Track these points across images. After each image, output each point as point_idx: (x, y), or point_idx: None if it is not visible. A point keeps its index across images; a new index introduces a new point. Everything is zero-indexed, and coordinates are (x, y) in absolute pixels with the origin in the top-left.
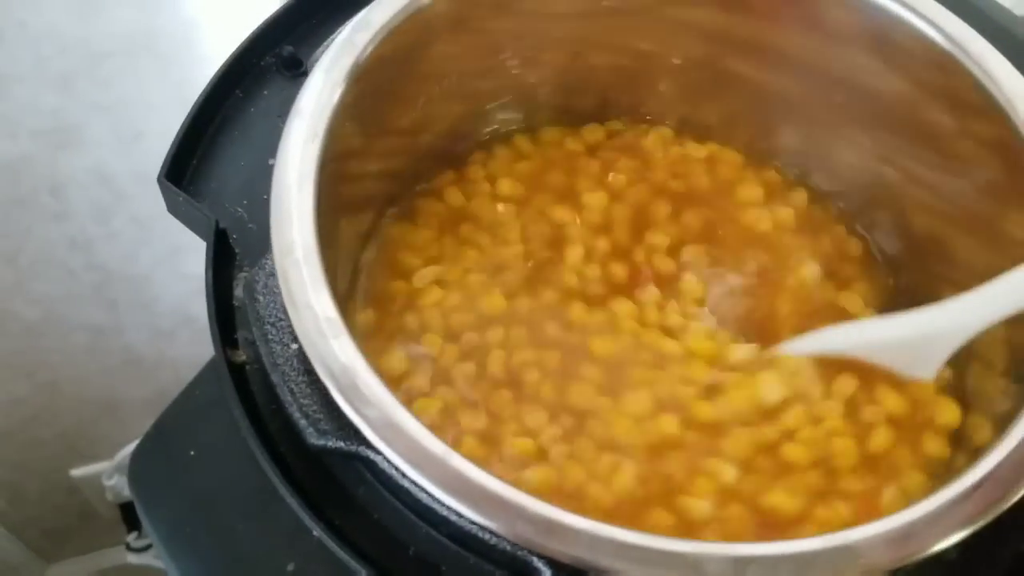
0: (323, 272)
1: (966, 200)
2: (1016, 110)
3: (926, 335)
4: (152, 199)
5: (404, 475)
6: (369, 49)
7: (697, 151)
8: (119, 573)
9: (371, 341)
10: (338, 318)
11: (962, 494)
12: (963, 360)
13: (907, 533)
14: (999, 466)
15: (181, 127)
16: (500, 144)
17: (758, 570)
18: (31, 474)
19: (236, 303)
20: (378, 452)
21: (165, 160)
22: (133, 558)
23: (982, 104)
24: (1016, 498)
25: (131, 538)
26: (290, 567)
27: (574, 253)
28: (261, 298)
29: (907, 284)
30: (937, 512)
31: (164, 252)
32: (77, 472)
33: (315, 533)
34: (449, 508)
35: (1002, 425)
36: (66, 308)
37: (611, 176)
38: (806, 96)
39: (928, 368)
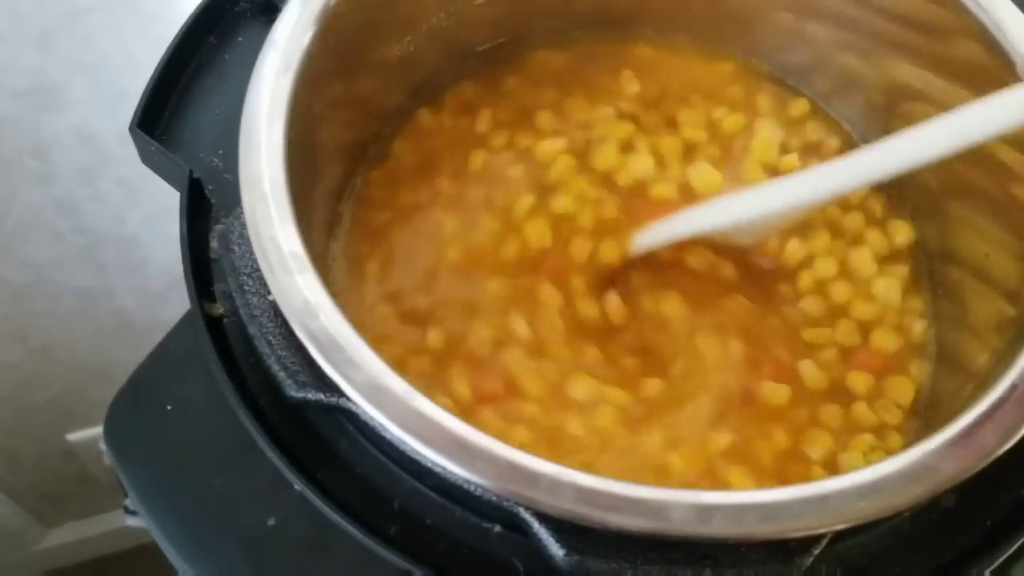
0: (291, 207)
1: None
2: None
3: (761, 212)
4: (138, 160)
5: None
6: None
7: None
8: (118, 536)
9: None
10: (304, 253)
11: (935, 450)
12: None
13: (876, 488)
14: (973, 424)
15: (153, 74)
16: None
17: (724, 518)
18: (27, 439)
19: (213, 255)
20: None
21: (137, 108)
22: (132, 521)
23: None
24: (990, 459)
25: (128, 502)
26: (271, 521)
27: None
28: (236, 248)
29: None
30: (909, 468)
31: (152, 213)
32: (73, 437)
33: (296, 487)
34: (423, 455)
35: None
36: (55, 272)
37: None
38: None
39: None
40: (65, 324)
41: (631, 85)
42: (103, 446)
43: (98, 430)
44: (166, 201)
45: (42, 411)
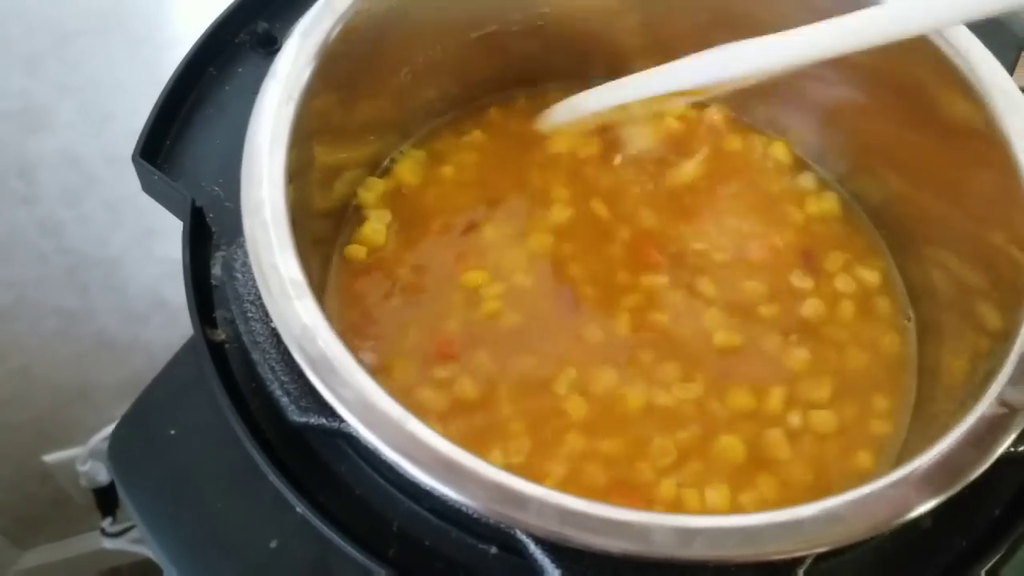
0: (291, 234)
1: None
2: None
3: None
4: (123, 182)
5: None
6: (350, 13)
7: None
8: (93, 558)
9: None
10: (302, 279)
11: (911, 474)
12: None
13: (852, 512)
14: (946, 453)
15: (155, 104)
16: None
17: (704, 541)
18: (3, 460)
19: (214, 282)
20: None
21: (139, 138)
22: (108, 543)
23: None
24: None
25: (106, 523)
26: (273, 543)
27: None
28: (240, 276)
29: None
30: (882, 493)
31: (135, 235)
32: (50, 458)
33: (298, 510)
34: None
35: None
36: (37, 292)
37: None
38: None
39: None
40: (46, 344)
41: None
42: (80, 467)
43: (75, 451)
44: (150, 223)
45: (19, 431)
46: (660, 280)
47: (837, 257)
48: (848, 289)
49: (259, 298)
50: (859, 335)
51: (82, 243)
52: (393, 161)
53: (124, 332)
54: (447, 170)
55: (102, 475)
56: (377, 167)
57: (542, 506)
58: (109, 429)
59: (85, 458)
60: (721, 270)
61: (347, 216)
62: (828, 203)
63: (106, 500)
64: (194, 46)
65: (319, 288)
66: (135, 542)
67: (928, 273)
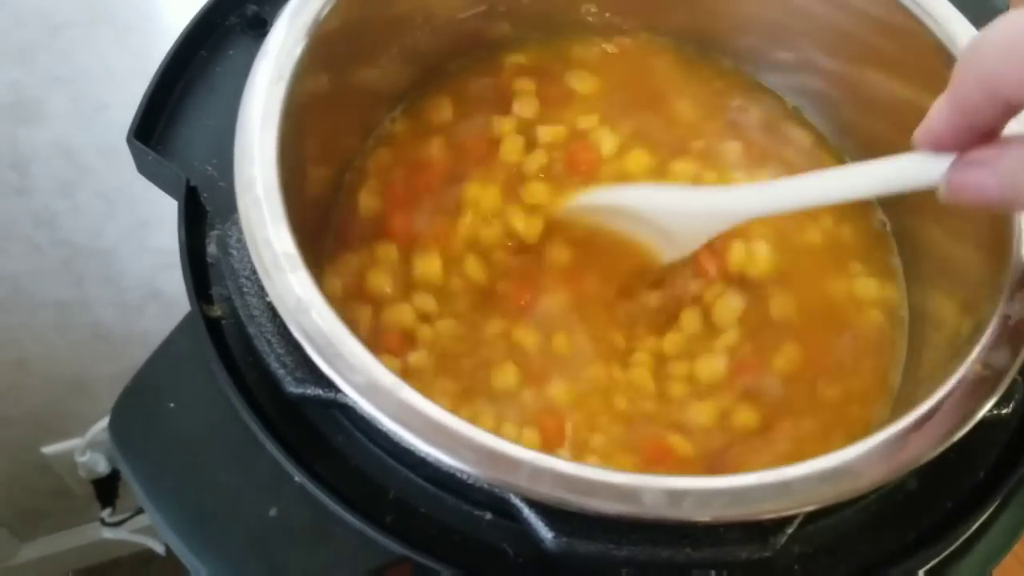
0: (284, 209)
1: None
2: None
3: (698, 210)
4: (116, 172)
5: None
6: None
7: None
8: (92, 549)
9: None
10: (296, 253)
11: (893, 436)
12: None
13: (837, 473)
14: (926, 414)
15: (148, 87)
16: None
17: (693, 502)
18: (1, 453)
19: (210, 260)
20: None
21: (133, 119)
22: (108, 533)
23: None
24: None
25: (105, 514)
26: (272, 512)
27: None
28: (235, 252)
29: None
30: (868, 454)
31: (129, 227)
32: (48, 450)
33: (296, 479)
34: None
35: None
36: (33, 284)
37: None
38: None
39: (684, 246)
40: (41, 337)
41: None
42: (79, 458)
43: (74, 443)
44: (144, 214)
45: (17, 424)
46: None
47: None
48: None
49: (254, 273)
50: None
51: (76, 235)
52: (384, 131)
53: (120, 323)
54: (437, 139)
55: (101, 466)
56: (368, 136)
57: (534, 469)
58: (107, 420)
59: (84, 449)
60: None
61: (343, 185)
62: None
63: (105, 490)
64: (185, 29)
65: (317, 257)
66: (135, 532)
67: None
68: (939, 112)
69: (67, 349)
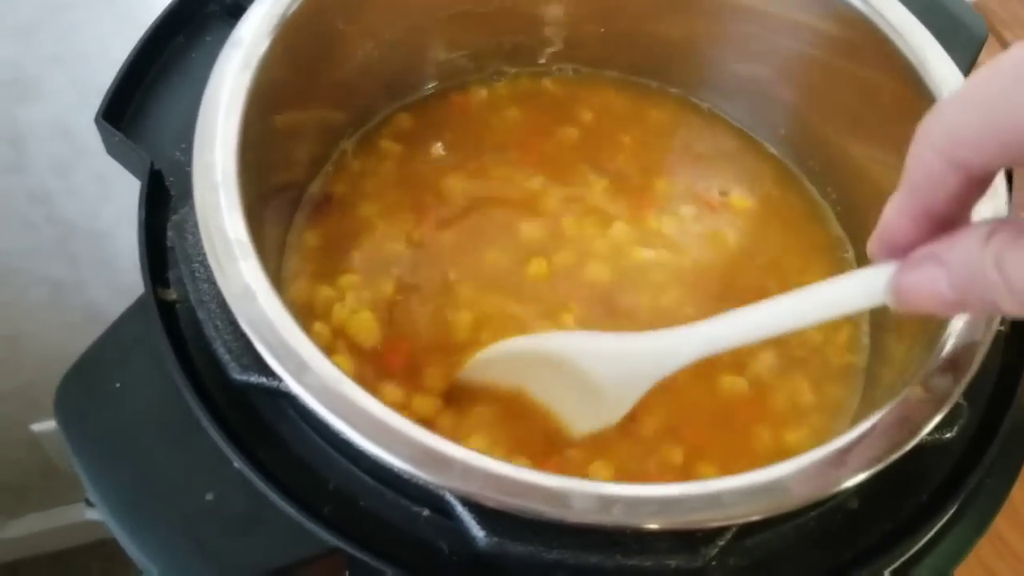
0: (240, 197)
1: None
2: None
3: (638, 353)
4: None
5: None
6: None
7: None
8: (79, 529)
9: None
10: (248, 241)
11: (831, 453)
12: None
13: (769, 487)
14: (860, 436)
15: (120, 68)
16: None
17: (623, 508)
18: None
19: (169, 243)
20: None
21: (103, 100)
22: (92, 514)
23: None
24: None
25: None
26: (209, 496)
27: None
28: (190, 237)
29: None
30: (800, 471)
31: (126, 209)
32: (38, 427)
33: (235, 464)
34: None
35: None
36: (26, 261)
37: None
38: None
39: (613, 407)
40: (34, 314)
41: None
42: None
43: None
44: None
45: (6, 400)
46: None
47: None
48: None
49: (207, 259)
50: None
51: (72, 214)
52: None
53: (113, 305)
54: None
55: None
56: (343, 133)
57: (466, 468)
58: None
59: None
60: None
61: (315, 174)
62: None
63: None
64: (162, 13)
65: (279, 245)
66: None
67: None
68: (893, 203)
69: (59, 328)
